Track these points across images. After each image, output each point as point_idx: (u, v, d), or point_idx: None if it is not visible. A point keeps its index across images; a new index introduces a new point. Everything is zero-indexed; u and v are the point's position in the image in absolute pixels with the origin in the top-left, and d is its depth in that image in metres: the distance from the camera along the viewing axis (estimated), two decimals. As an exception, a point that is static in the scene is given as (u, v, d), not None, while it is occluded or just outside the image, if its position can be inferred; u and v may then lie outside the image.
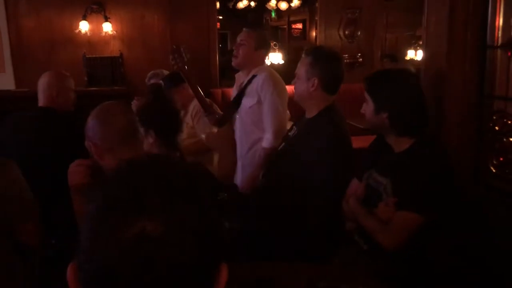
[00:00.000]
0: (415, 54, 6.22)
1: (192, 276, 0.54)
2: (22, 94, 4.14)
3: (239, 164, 2.77)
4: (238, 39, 2.68)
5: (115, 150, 1.48)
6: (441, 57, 2.16)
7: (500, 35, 2.02)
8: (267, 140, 2.52)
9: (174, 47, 2.62)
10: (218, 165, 2.98)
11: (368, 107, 1.80)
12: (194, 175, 0.61)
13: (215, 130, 2.85)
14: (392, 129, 1.76)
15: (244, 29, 2.73)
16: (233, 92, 2.85)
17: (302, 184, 2.01)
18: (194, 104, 2.89)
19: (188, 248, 0.53)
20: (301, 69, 2.14)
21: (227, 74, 6.04)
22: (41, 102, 2.42)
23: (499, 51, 2.04)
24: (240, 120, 2.71)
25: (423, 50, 2.40)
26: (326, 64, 2.11)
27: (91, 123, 1.51)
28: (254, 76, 2.61)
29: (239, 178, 2.74)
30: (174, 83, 2.85)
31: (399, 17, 5.91)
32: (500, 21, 2.01)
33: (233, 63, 2.70)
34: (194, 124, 2.86)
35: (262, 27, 9.10)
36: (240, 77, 2.76)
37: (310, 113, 2.16)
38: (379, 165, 1.85)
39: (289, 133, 2.30)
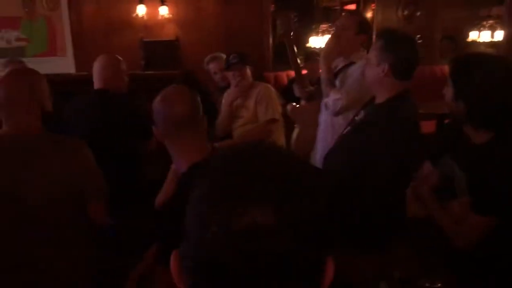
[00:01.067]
0: (478, 36, 5.86)
1: (302, 269, 0.52)
2: (82, 78, 4.26)
3: (319, 145, 2.69)
4: (339, 23, 2.60)
5: (174, 136, 1.50)
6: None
7: None
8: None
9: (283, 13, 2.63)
10: (296, 139, 2.95)
11: (448, 91, 1.71)
12: (302, 162, 0.58)
13: (302, 103, 2.82)
14: (469, 119, 1.65)
15: (344, 13, 2.66)
16: None
17: (364, 171, 1.94)
18: (259, 90, 2.88)
19: (299, 240, 0.51)
20: (372, 53, 2.05)
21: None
22: (96, 85, 2.49)
23: None
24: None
25: (503, 32, 2.24)
26: (397, 49, 1.99)
27: (155, 108, 1.52)
28: (352, 63, 2.54)
29: (318, 160, 2.63)
30: (248, 61, 2.85)
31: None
32: None
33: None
34: (256, 110, 2.85)
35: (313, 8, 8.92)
36: (336, 61, 2.68)
37: (380, 99, 2.07)
38: (455, 154, 1.76)
39: (356, 118, 2.22)
